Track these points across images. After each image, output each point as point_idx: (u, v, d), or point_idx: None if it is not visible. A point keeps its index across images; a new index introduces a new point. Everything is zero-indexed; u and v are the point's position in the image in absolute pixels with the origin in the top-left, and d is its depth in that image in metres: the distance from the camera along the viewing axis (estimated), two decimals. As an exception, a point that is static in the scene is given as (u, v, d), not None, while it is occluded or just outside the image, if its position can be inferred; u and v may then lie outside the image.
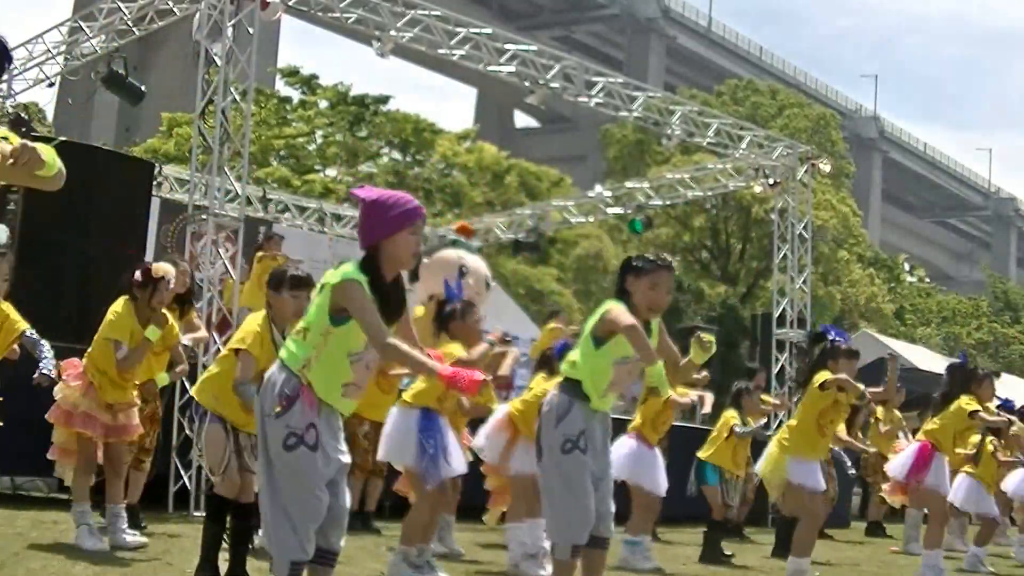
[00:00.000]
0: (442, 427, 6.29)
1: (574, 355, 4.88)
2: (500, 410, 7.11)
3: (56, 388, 6.31)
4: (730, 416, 8.89)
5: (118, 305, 6.32)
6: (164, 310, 6.43)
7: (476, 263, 13.09)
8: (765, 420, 9.62)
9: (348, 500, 4.08)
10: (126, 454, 6.64)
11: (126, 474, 6.74)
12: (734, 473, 8.96)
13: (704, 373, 7.85)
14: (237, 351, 5.39)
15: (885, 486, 9.34)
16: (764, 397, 10.46)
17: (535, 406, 7.05)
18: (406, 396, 6.50)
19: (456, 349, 6.17)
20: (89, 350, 6.42)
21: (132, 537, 6.47)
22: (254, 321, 5.49)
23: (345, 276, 3.90)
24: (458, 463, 6.38)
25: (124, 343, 6.22)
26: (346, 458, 4.03)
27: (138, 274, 6.30)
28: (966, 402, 8.07)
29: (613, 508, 4.85)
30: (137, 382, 6.51)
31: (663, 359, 5.00)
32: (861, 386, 6.81)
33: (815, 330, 7.43)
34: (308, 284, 5.27)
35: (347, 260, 4.05)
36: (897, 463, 8.43)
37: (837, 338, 7.05)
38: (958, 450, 8.39)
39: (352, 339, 3.92)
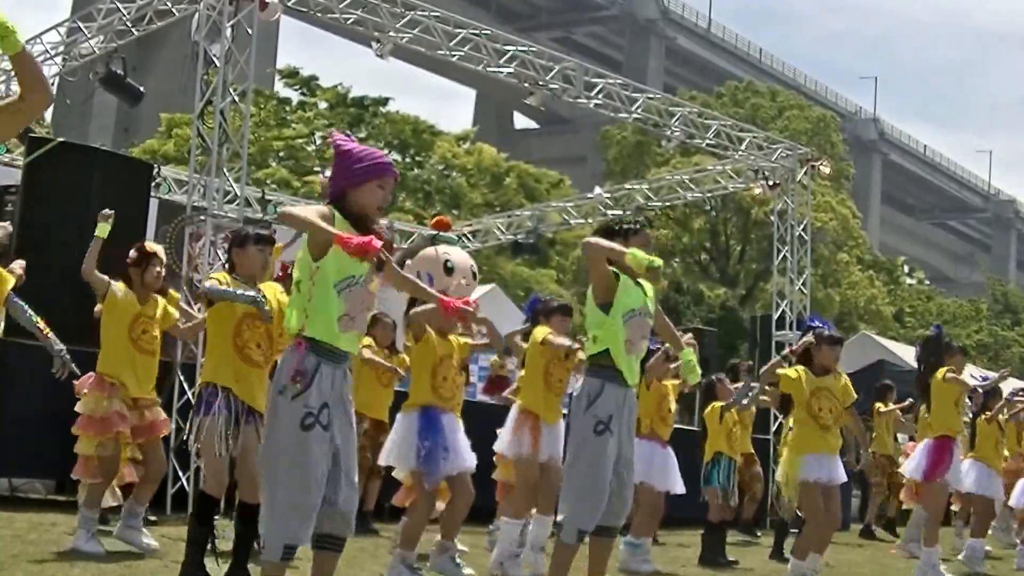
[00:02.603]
0: (443, 424, 6.19)
1: (591, 332, 4.96)
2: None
3: (80, 403, 6.39)
4: (716, 406, 9.01)
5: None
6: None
7: (459, 256, 12.90)
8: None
9: (355, 493, 4.04)
10: (161, 454, 6.67)
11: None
12: (733, 460, 9.01)
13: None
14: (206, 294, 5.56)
15: (903, 492, 9.35)
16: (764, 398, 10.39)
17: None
18: (407, 402, 6.45)
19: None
20: (100, 355, 6.50)
21: (148, 540, 6.52)
22: (217, 273, 5.77)
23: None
24: (465, 458, 6.28)
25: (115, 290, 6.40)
26: (343, 439, 3.99)
27: (133, 252, 6.52)
28: (942, 373, 8.06)
29: (630, 502, 4.90)
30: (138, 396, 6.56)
31: (665, 336, 5.30)
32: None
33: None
34: (271, 240, 5.68)
35: None
36: (913, 464, 8.34)
37: (821, 327, 7.14)
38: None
39: (336, 267, 3.93)
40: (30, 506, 7.80)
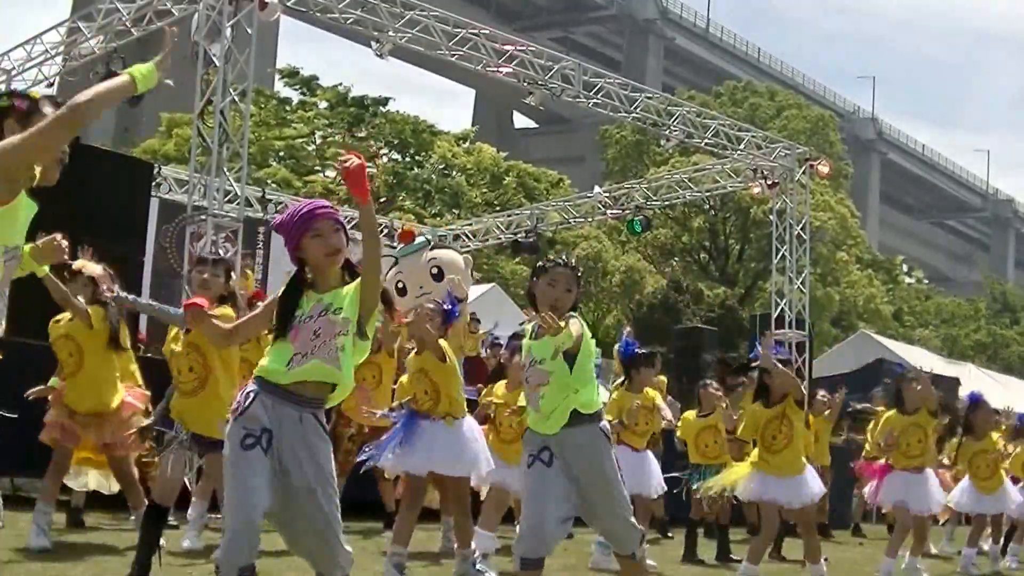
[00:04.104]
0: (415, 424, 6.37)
1: None
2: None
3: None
4: (687, 415, 9.02)
5: None
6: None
7: (446, 256, 12.76)
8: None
9: (328, 524, 3.82)
10: (126, 462, 6.71)
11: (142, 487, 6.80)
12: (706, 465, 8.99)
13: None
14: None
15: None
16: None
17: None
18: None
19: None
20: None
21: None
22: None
23: None
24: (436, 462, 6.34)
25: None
26: (317, 482, 3.81)
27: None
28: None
29: (630, 532, 4.64)
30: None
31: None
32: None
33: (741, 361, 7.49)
34: (205, 262, 5.88)
35: None
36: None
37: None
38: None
39: None
40: (32, 505, 7.80)
